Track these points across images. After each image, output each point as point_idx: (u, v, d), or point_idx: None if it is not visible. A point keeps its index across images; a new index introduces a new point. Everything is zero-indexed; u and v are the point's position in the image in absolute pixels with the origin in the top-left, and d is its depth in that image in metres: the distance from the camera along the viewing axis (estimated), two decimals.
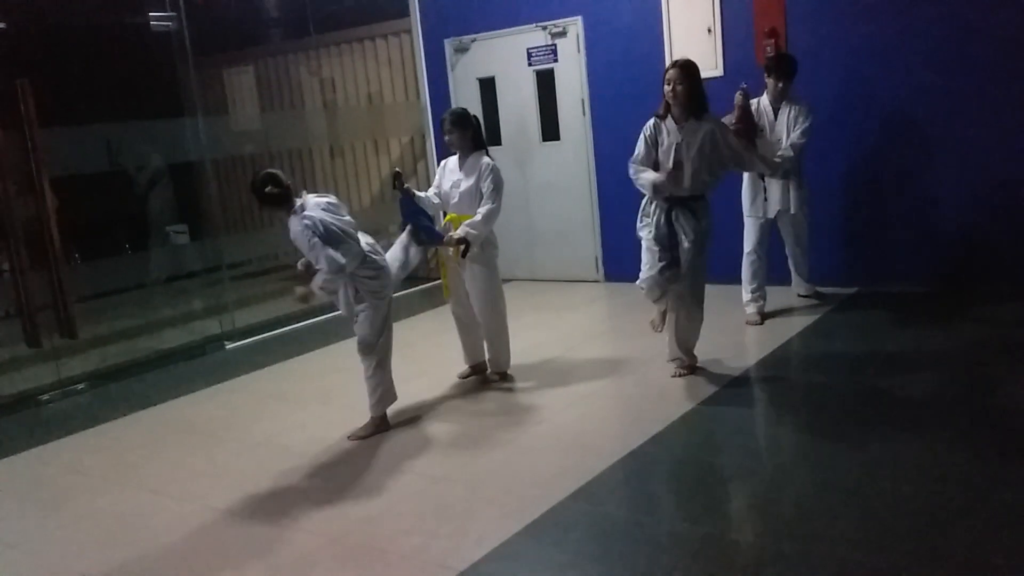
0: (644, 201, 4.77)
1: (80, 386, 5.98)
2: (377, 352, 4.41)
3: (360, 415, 4.52)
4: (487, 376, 5.18)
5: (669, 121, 4.59)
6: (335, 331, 6.31)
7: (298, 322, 7.19)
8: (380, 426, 4.49)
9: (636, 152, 4.69)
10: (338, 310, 4.52)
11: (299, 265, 4.39)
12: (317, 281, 4.20)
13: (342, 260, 4.14)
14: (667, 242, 4.66)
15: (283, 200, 4.22)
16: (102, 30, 7.74)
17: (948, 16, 5.70)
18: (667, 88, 4.53)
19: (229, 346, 6.78)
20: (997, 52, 5.61)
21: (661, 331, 5.02)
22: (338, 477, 4.01)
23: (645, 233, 4.75)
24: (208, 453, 4.50)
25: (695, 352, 4.92)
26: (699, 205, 4.64)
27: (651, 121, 4.65)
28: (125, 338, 6.99)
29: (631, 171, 4.71)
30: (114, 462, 4.52)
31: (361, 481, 3.93)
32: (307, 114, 8.97)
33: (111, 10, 7.70)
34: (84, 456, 4.68)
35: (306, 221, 4.13)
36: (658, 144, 4.62)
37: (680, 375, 4.85)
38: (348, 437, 4.45)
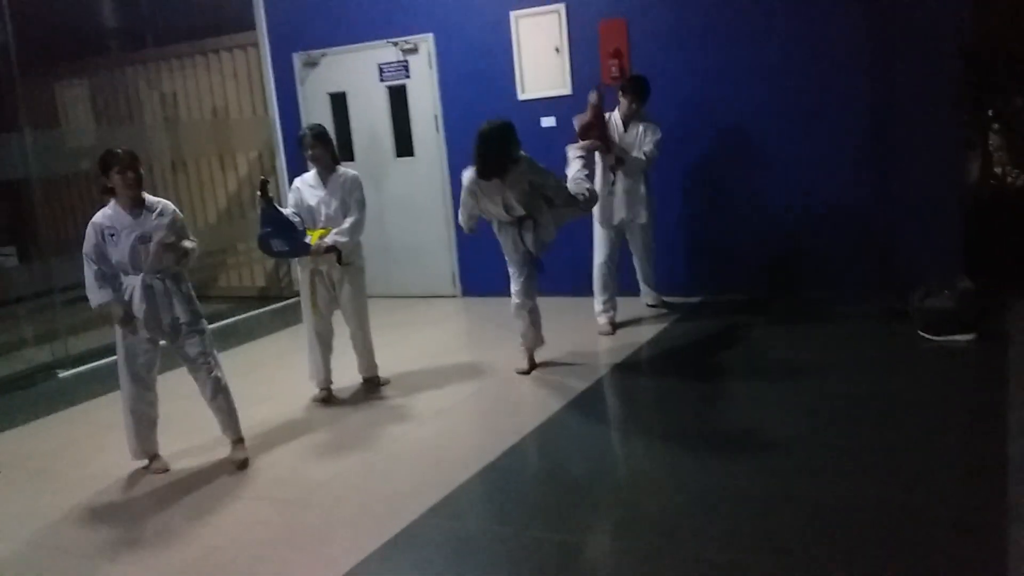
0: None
1: None
2: None
3: (202, 440, 4.31)
4: (378, 382, 5.24)
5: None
6: (174, 357, 6.03)
7: None
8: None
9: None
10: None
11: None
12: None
13: None
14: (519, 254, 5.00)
15: None
16: None
17: (780, 42, 6.08)
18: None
19: (62, 374, 6.33)
20: (825, 75, 6.03)
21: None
22: (187, 506, 3.81)
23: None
24: (36, 490, 4.18)
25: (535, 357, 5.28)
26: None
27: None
28: None
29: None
30: None
31: (211, 509, 3.75)
32: (147, 129, 8.54)
33: None
34: None
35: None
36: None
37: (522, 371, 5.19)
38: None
